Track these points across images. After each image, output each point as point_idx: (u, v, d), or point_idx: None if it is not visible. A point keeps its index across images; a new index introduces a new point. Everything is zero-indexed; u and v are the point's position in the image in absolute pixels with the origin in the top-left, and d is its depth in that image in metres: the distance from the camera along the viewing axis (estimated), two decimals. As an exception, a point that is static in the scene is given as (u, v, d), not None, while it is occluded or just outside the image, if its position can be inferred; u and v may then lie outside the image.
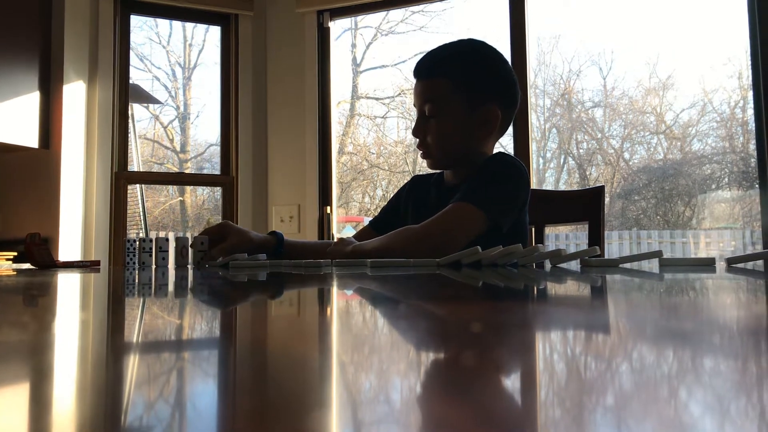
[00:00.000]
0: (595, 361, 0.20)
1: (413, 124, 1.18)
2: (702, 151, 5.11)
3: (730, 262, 0.73)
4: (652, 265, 0.75)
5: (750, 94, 2.43)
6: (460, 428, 0.12)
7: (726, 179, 4.93)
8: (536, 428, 0.13)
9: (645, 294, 0.41)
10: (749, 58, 2.28)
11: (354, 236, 1.33)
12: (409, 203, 1.28)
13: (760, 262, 0.79)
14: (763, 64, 2.19)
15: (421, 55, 1.18)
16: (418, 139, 1.17)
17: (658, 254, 0.74)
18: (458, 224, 1.02)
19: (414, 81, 1.20)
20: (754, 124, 2.29)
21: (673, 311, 0.31)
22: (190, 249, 1.09)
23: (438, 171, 1.25)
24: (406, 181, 1.34)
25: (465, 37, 1.18)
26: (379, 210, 1.39)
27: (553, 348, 0.22)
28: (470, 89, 1.12)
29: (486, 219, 1.03)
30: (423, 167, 1.30)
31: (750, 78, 2.31)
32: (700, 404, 0.14)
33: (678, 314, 0.29)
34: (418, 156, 1.23)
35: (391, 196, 1.36)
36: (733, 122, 4.99)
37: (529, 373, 0.18)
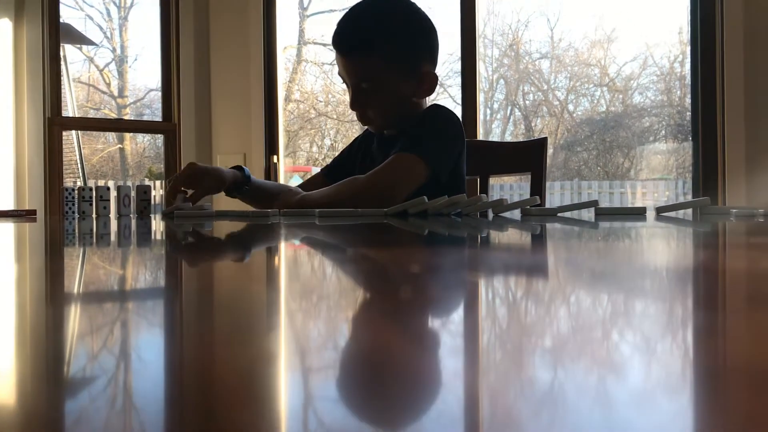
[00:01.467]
0: (528, 300, 0.21)
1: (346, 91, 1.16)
2: (642, 104, 5.27)
3: (659, 211, 0.77)
4: (591, 214, 0.79)
5: (688, 50, 2.51)
6: (400, 361, 0.13)
7: (663, 132, 5.12)
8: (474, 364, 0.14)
9: (578, 240, 0.43)
10: (689, 14, 2.34)
11: (304, 182, 1.33)
12: (359, 154, 1.29)
13: (687, 211, 0.84)
14: (701, 21, 2.25)
15: (341, 20, 1.13)
16: (357, 113, 1.15)
17: (593, 204, 0.77)
18: (401, 174, 1.04)
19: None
20: (690, 79, 2.38)
21: (600, 255, 0.33)
22: (133, 198, 1.07)
23: None
24: (358, 132, 1.34)
25: None
26: (328, 159, 1.38)
27: (490, 288, 0.24)
28: (400, 59, 1.11)
29: (427, 168, 1.05)
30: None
31: (689, 33, 2.38)
32: (617, 337, 0.16)
33: (604, 257, 0.32)
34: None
35: (341, 145, 1.37)
36: (672, 76, 5.14)
37: (470, 313, 0.19)
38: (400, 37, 1.11)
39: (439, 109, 1.17)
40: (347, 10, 1.16)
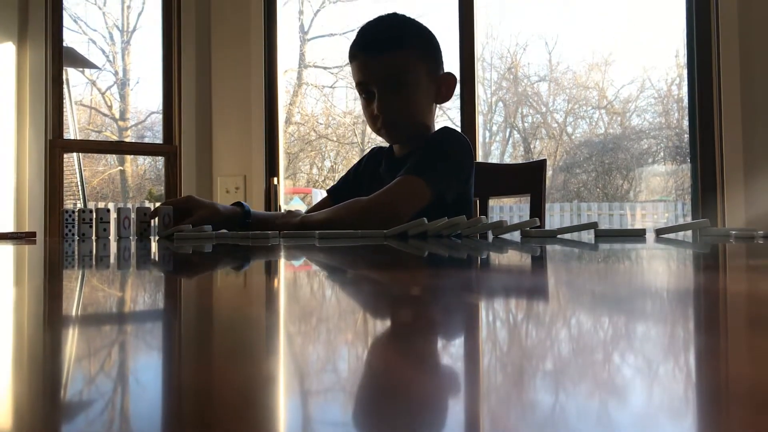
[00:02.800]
0: (529, 322, 0.21)
1: (361, 101, 1.17)
2: (640, 126, 5.30)
3: (659, 232, 0.77)
4: (590, 236, 0.79)
5: (685, 72, 2.53)
6: (401, 387, 0.13)
7: (661, 154, 5.14)
8: (475, 388, 0.14)
9: (577, 262, 0.43)
10: (685, 37, 2.37)
11: (312, 207, 1.33)
12: (365, 174, 1.29)
13: (686, 232, 0.84)
14: (697, 44, 2.28)
15: (362, 29, 1.16)
16: (380, 117, 1.14)
17: (593, 225, 0.77)
18: (404, 197, 1.04)
19: (353, 59, 1.16)
20: (687, 101, 2.40)
21: (600, 276, 0.33)
22: (133, 220, 1.07)
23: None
24: (358, 154, 1.35)
25: (400, 12, 1.20)
26: (328, 181, 1.39)
27: (491, 310, 0.23)
28: (431, 55, 1.16)
29: (431, 192, 1.05)
30: (371, 138, 1.30)
31: (686, 56, 2.40)
32: (616, 360, 0.16)
33: (604, 279, 0.31)
34: (368, 127, 1.22)
35: (341, 167, 1.37)
36: (670, 99, 5.19)
37: (472, 334, 0.19)
38: (425, 39, 1.17)
39: (450, 132, 1.18)
40: (365, 23, 1.19)
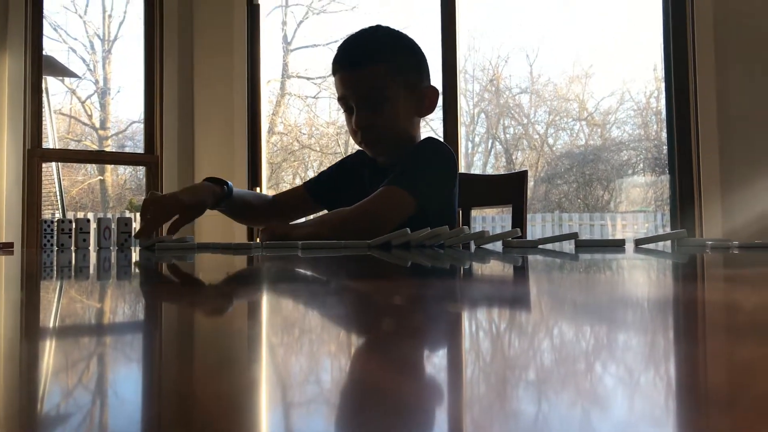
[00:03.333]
0: (510, 332, 0.21)
1: (343, 113, 1.18)
2: (620, 138, 5.38)
3: (638, 243, 0.78)
4: (571, 246, 0.79)
5: (663, 85, 2.58)
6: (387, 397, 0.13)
7: (641, 165, 5.22)
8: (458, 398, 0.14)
9: (558, 272, 0.44)
10: (663, 50, 2.41)
11: (284, 192, 1.32)
12: (350, 177, 1.28)
13: (665, 243, 0.85)
14: (674, 57, 2.32)
15: (343, 42, 1.17)
16: (360, 133, 1.14)
17: (573, 236, 0.78)
18: (387, 208, 1.04)
19: (335, 73, 1.17)
20: (665, 114, 2.44)
21: (580, 286, 0.33)
22: (113, 230, 1.06)
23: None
24: (351, 153, 1.34)
25: (383, 23, 1.20)
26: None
27: (474, 320, 0.24)
28: (409, 70, 1.15)
29: (414, 203, 1.06)
30: (354, 149, 1.30)
31: (663, 70, 2.45)
32: (597, 368, 0.16)
33: (583, 289, 0.32)
34: (350, 138, 1.22)
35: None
36: (648, 111, 5.27)
37: (454, 343, 0.19)
38: (404, 52, 1.16)
39: (433, 143, 1.18)
40: (348, 36, 1.19)
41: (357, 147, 1.23)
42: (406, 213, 1.05)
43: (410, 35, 1.21)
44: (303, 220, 1.27)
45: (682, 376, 0.15)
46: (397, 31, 1.19)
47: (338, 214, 1.05)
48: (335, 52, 1.17)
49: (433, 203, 1.09)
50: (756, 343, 0.18)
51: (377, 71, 1.12)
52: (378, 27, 1.19)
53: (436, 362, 0.17)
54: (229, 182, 1.17)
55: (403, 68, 1.14)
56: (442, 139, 2.39)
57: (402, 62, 1.15)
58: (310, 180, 1.32)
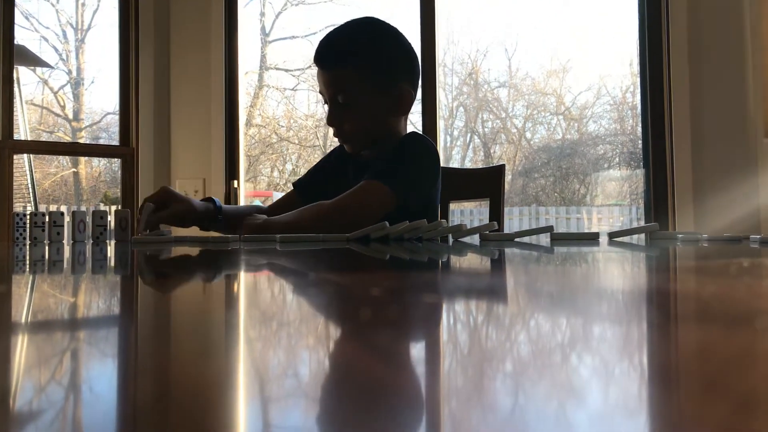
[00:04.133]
0: (488, 323, 0.22)
1: (323, 107, 1.18)
2: (596, 132, 5.45)
3: (612, 236, 0.80)
4: (547, 239, 0.81)
5: (639, 81, 2.62)
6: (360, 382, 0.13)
7: (617, 159, 5.29)
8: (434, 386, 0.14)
9: (535, 264, 0.45)
10: (638, 45, 2.45)
11: (278, 200, 1.32)
12: (332, 170, 1.28)
13: (639, 236, 0.87)
14: (649, 53, 2.36)
15: (323, 37, 1.16)
16: (333, 129, 1.17)
17: (549, 229, 0.79)
18: (368, 202, 1.04)
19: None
20: (640, 109, 2.48)
21: (553, 278, 0.34)
22: (88, 224, 1.04)
23: None
24: (320, 157, 1.35)
25: (362, 15, 1.20)
26: (289, 184, 1.37)
27: (451, 311, 0.24)
28: (379, 73, 1.14)
29: (395, 197, 1.06)
30: (333, 141, 1.31)
31: (638, 65, 2.48)
32: (572, 358, 0.16)
33: (557, 280, 0.33)
34: (330, 130, 1.23)
35: (302, 170, 1.37)
36: (624, 106, 5.35)
37: (431, 336, 0.20)
38: (377, 53, 1.14)
39: (417, 138, 1.18)
40: (333, 28, 1.18)
41: (336, 141, 1.23)
42: (386, 208, 1.05)
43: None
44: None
45: (653, 365, 0.16)
46: (386, 27, 1.17)
47: (318, 207, 1.05)
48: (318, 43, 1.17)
49: (413, 200, 1.09)
50: (721, 331, 0.18)
51: (346, 75, 1.12)
52: (364, 23, 1.18)
53: (414, 354, 0.18)
54: (217, 199, 1.19)
55: (372, 70, 1.13)
56: (421, 132, 2.39)
57: (375, 65, 1.13)
58: (299, 180, 1.32)
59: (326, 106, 1.18)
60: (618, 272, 0.40)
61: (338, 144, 1.27)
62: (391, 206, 1.06)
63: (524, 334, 0.20)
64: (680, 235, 0.81)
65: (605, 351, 0.17)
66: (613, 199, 5.15)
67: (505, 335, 0.20)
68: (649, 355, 0.17)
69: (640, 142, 2.95)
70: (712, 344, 0.17)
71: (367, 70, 1.13)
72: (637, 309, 0.25)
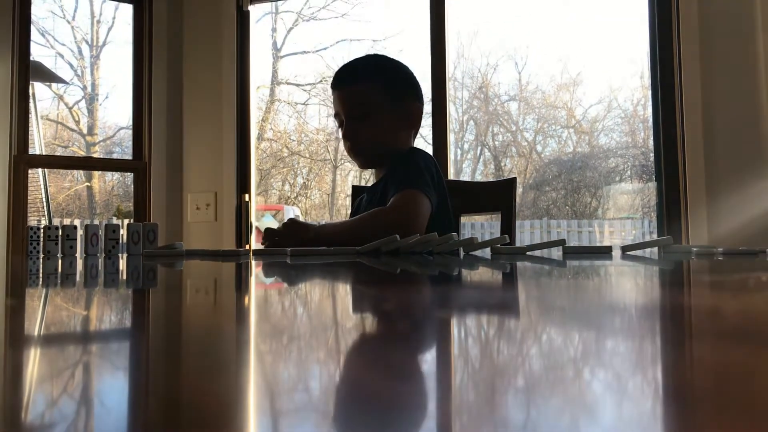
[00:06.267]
0: (500, 338, 0.21)
1: (334, 123, 1.27)
2: (607, 145, 5.43)
3: (625, 249, 0.79)
4: (559, 253, 0.80)
5: (650, 93, 2.61)
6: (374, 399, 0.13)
7: (628, 172, 5.27)
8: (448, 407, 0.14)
9: (546, 278, 0.44)
10: (649, 59, 2.44)
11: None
12: (356, 209, 1.36)
13: (652, 249, 0.86)
14: (660, 66, 2.35)
15: (339, 67, 1.29)
16: (348, 143, 1.25)
17: (561, 242, 0.79)
18: (416, 209, 1.08)
19: (331, 92, 1.30)
20: (652, 122, 2.47)
21: (567, 292, 0.33)
22: (101, 237, 1.05)
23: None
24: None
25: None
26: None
27: (463, 325, 0.24)
28: (391, 89, 1.25)
29: (429, 202, 1.11)
30: (344, 156, 1.36)
31: (650, 78, 2.48)
32: (586, 373, 0.16)
33: (571, 295, 0.32)
34: (341, 144, 1.27)
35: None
36: (636, 119, 5.33)
37: (444, 348, 0.20)
38: (388, 74, 1.29)
39: (412, 149, 1.27)
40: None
41: (346, 155, 1.31)
42: (428, 211, 1.10)
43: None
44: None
45: (667, 381, 0.15)
46: (390, 58, 1.32)
47: (375, 215, 1.07)
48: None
49: (435, 200, 1.14)
50: (738, 348, 0.18)
51: (362, 90, 1.24)
52: (373, 54, 1.36)
53: (424, 368, 0.17)
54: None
55: (387, 87, 1.25)
56: (431, 146, 2.46)
57: (387, 82, 1.26)
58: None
59: (340, 130, 1.27)
60: (632, 287, 0.40)
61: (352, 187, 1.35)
62: (429, 208, 1.11)
63: (536, 349, 0.19)
64: (695, 249, 0.80)
65: (619, 367, 0.17)
66: (625, 212, 5.11)
67: (517, 350, 0.20)
68: (665, 372, 0.16)
69: (651, 154, 2.93)
70: (731, 362, 0.17)
71: (381, 86, 1.25)
72: (651, 325, 0.24)
